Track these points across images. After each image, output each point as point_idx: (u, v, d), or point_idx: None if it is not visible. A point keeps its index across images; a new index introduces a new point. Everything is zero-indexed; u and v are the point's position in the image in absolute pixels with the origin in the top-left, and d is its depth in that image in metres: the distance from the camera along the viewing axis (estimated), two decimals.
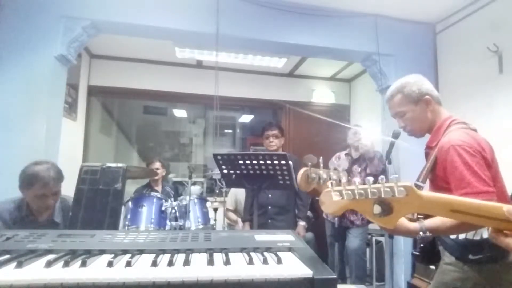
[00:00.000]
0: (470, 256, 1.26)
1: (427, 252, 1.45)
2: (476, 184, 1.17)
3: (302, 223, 2.88)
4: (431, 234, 1.20)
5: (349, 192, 0.72)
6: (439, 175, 1.32)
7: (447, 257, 1.36)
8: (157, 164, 3.75)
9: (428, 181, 1.39)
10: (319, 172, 1.12)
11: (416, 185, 1.37)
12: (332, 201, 0.75)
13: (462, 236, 1.28)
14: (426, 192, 0.72)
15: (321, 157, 1.13)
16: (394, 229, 1.23)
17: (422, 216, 1.28)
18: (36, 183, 1.72)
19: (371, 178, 0.73)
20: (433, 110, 1.44)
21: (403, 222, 1.20)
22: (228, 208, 3.75)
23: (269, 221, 2.75)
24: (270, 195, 2.78)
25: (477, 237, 1.25)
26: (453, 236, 1.31)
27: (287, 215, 2.83)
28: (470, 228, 1.23)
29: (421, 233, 1.17)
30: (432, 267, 1.57)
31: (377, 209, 0.71)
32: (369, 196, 0.70)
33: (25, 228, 1.73)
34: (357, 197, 0.72)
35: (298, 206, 2.89)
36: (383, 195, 0.69)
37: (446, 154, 1.25)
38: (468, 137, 1.27)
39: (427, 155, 1.45)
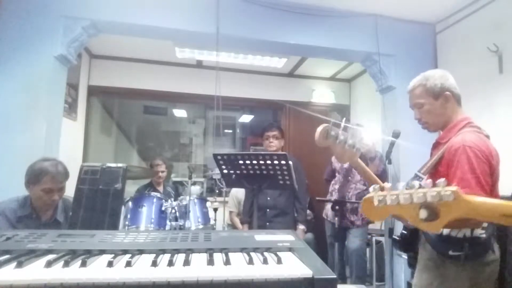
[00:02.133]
0: (450, 252, 1.29)
1: (407, 240, 1.50)
2: (474, 186, 1.21)
3: (301, 227, 2.86)
4: None
5: (394, 197, 0.71)
6: (441, 170, 1.35)
7: (428, 252, 1.38)
8: (162, 166, 3.75)
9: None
10: (338, 132, 1.14)
11: (417, 176, 1.40)
12: (374, 206, 0.74)
13: (445, 232, 1.31)
14: (474, 196, 0.70)
15: (344, 118, 1.16)
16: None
17: None
18: (44, 177, 1.77)
19: (416, 183, 0.71)
20: (452, 107, 1.46)
21: None
22: (232, 211, 3.75)
23: (267, 223, 2.74)
24: (268, 198, 2.78)
25: (460, 235, 1.28)
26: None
27: (286, 217, 2.82)
28: (456, 226, 1.27)
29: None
30: (405, 256, 1.64)
31: (423, 213, 0.70)
32: (415, 201, 0.69)
33: (29, 227, 1.74)
34: (401, 202, 0.71)
35: (297, 209, 2.87)
36: (429, 200, 0.68)
37: (456, 152, 1.28)
38: (481, 142, 1.30)
39: (433, 149, 1.47)
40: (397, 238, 1.53)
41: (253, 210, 2.83)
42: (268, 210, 2.78)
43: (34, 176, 1.79)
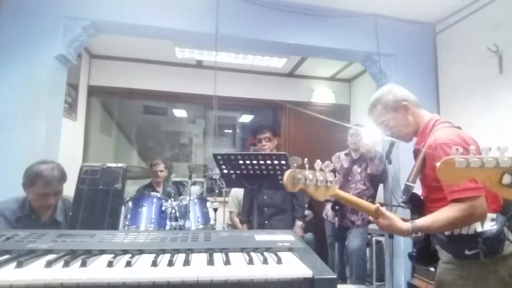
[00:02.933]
0: (466, 252, 1.27)
1: (423, 252, 1.46)
2: (463, 181, 1.17)
3: (299, 223, 2.88)
4: (422, 233, 1.22)
5: (477, 159, 0.69)
6: (429, 174, 1.34)
7: (444, 256, 1.36)
8: (161, 166, 3.75)
9: (419, 181, 1.42)
10: (304, 173, 1.14)
11: (407, 186, 1.39)
12: (453, 168, 0.72)
13: (456, 232, 1.29)
14: None
15: (306, 159, 1.16)
16: (388, 228, 1.27)
17: (415, 217, 1.31)
18: (38, 182, 1.75)
19: (503, 146, 0.69)
20: (414, 113, 1.49)
21: (397, 222, 1.27)
22: (232, 210, 3.75)
23: (266, 222, 2.75)
24: (265, 197, 2.78)
25: (471, 232, 1.26)
26: (447, 233, 1.32)
27: (284, 215, 2.82)
28: (461, 225, 1.25)
29: (413, 233, 1.23)
30: (432, 269, 1.57)
31: (507, 179, 0.68)
32: (500, 165, 0.67)
33: (28, 227, 1.74)
34: (486, 165, 0.68)
35: (295, 206, 2.88)
36: None
37: (434, 152, 1.28)
38: (454, 135, 1.30)
39: (415, 156, 1.47)
40: (414, 254, 1.49)
41: (252, 209, 2.83)
42: (265, 208, 2.78)
43: (29, 179, 1.77)
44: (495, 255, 1.25)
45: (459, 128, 1.39)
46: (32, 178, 1.76)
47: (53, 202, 1.82)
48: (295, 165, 1.13)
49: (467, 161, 0.71)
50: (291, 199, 2.88)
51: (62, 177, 1.83)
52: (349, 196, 1.30)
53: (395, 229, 1.26)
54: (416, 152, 1.47)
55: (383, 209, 1.28)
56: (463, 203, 1.18)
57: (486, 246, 1.24)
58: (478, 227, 1.25)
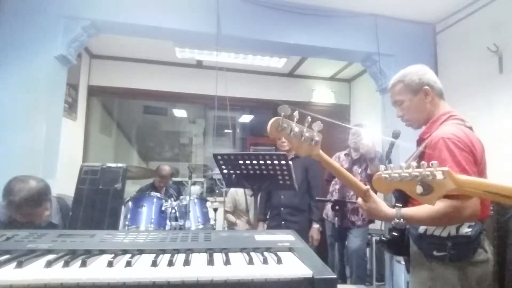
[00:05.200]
0: (435, 253, 1.26)
1: (396, 242, 1.44)
2: (457, 173, 1.16)
3: (316, 226, 2.84)
4: (405, 221, 1.22)
5: (396, 174, 0.86)
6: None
7: (416, 254, 1.35)
8: (166, 169, 3.76)
9: None
10: (291, 124, 1.13)
11: None
12: (382, 181, 0.89)
13: (429, 231, 1.28)
14: (462, 175, 0.82)
15: (296, 111, 1.14)
16: (374, 211, 1.25)
17: (400, 205, 1.30)
18: (9, 205, 1.65)
19: (414, 163, 0.83)
20: (432, 102, 1.43)
21: (382, 206, 1.25)
22: (226, 209, 3.75)
23: (283, 222, 2.73)
24: (282, 196, 2.75)
25: (444, 234, 1.25)
26: (421, 230, 1.30)
27: (301, 215, 2.80)
28: (443, 222, 1.23)
29: (396, 219, 1.22)
30: (402, 262, 1.54)
31: (419, 189, 0.83)
32: (413, 179, 0.82)
33: None
34: (403, 179, 0.84)
35: (311, 208, 2.85)
36: (424, 178, 0.81)
37: (435, 145, 1.24)
38: (461, 132, 1.26)
39: (418, 145, 1.45)
40: (384, 239, 1.46)
41: (269, 207, 2.80)
42: (282, 209, 2.76)
43: (3, 197, 1.66)
44: (463, 260, 1.23)
45: (470, 128, 1.35)
46: (4, 198, 1.65)
47: (35, 222, 1.72)
48: (282, 113, 1.11)
49: (390, 176, 0.87)
50: (309, 200, 2.85)
51: (34, 203, 1.66)
52: (334, 163, 1.23)
53: (380, 212, 1.23)
54: (419, 142, 1.44)
55: (372, 192, 1.24)
56: (452, 200, 1.14)
57: (455, 251, 1.22)
58: (452, 230, 1.24)
